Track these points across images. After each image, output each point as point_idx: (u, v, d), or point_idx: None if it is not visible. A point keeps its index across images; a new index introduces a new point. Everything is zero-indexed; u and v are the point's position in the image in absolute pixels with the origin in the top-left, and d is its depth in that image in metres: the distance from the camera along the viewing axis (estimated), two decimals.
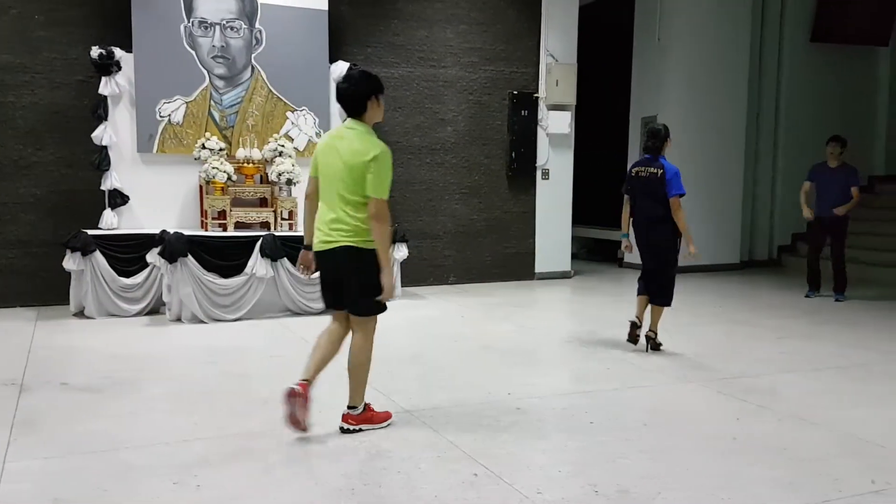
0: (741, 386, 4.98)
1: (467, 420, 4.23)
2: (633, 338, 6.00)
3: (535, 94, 9.96)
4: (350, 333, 4.06)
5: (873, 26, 12.09)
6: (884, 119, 12.66)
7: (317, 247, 3.97)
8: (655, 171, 6.00)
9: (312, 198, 4.07)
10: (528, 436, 4.00)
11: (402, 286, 8.51)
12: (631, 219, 6.18)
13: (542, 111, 10.01)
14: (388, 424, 4.10)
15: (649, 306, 6.06)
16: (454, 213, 9.68)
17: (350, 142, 3.89)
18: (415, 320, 7.38)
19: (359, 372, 4.03)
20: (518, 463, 3.57)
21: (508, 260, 10.00)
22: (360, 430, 4.00)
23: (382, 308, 4.02)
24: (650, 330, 6.01)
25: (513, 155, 9.85)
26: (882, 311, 7.90)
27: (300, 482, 3.33)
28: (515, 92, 9.83)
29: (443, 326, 7.04)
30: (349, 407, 4.03)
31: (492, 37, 9.69)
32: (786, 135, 12.06)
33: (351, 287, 3.92)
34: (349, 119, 3.98)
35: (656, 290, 6.00)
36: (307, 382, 3.89)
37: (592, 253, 13.19)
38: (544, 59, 9.97)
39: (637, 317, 6.01)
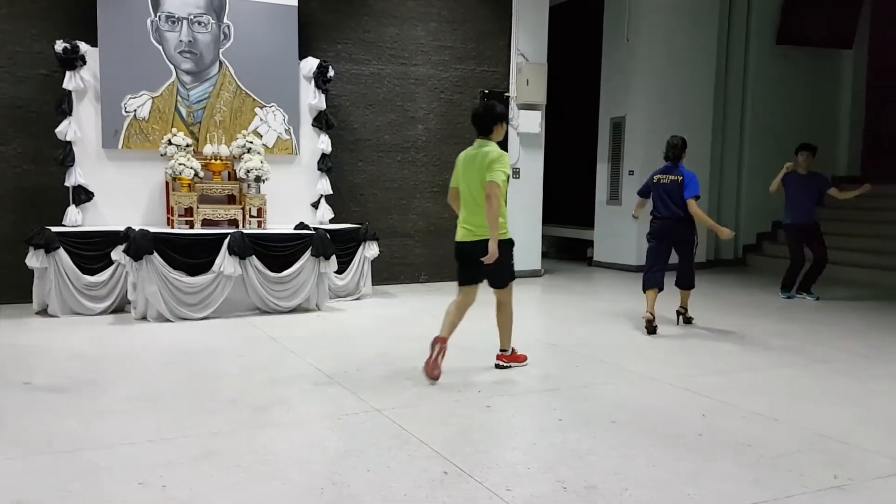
0: (707, 383, 5.05)
1: (437, 418, 4.23)
2: (652, 329, 6.70)
3: (506, 94, 9.99)
4: (471, 303, 5.24)
5: (837, 29, 12.34)
6: (846, 120, 12.92)
7: (460, 237, 5.14)
8: (676, 178, 6.87)
9: (453, 203, 5.31)
10: (498, 434, 4.01)
11: (372, 285, 8.49)
12: (652, 218, 7.13)
13: (513, 110, 10.05)
14: (526, 364, 5.39)
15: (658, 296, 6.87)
16: (425, 212, 9.67)
17: (484, 156, 5.01)
18: (385, 319, 7.37)
19: (506, 325, 5.33)
20: (488, 461, 3.58)
21: None
22: (510, 367, 5.31)
23: (514, 278, 5.28)
24: (682, 307, 7.15)
25: None
26: (843, 310, 8.06)
27: (268, 482, 3.30)
28: (486, 91, 9.85)
29: (413, 325, 7.03)
30: (501, 350, 5.37)
31: (462, 35, 9.70)
32: (751, 135, 12.25)
33: (493, 269, 4.99)
34: (479, 139, 5.17)
35: (684, 278, 7.06)
36: (446, 338, 5.05)
37: (562, 252, 13.29)
38: (515, 59, 10.01)
39: (650, 311, 6.71)
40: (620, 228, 11.44)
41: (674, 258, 7.05)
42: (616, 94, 11.56)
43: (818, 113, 12.49)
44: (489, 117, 5.15)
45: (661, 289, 6.86)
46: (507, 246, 5.06)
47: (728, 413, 4.40)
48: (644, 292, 6.89)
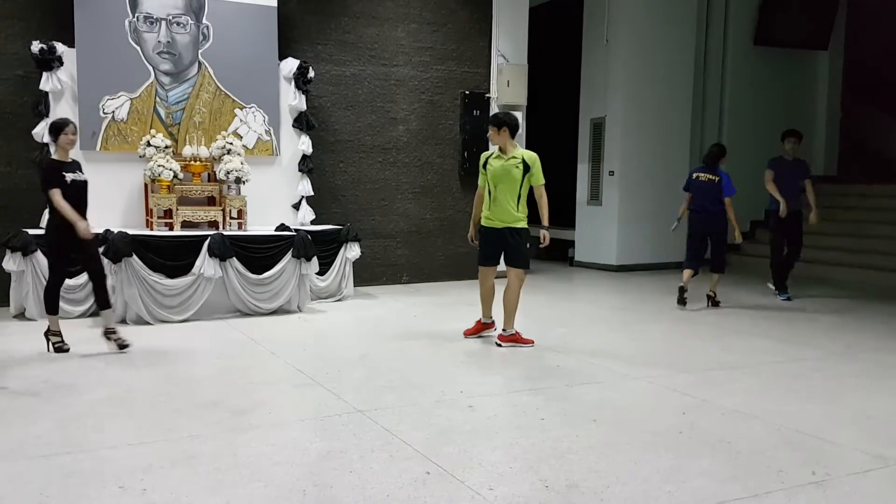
0: (686, 381, 5.09)
1: (420, 419, 4.24)
2: (682, 300, 7.87)
3: (487, 95, 10.01)
4: (492, 283, 6.27)
5: (813, 30, 12.49)
6: (823, 120, 13.07)
7: (486, 224, 6.09)
8: (714, 178, 7.94)
9: (482, 194, 6.20)
10: (480, 433, 4.02)
11: (354, 286, 8.48)
12: (691, 212, 8.13)
13: (494, 111, 10.06)
14: (532, 347, 5.95)
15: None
16: (407, 213, 9.67)
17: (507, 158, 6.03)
18: (367, 320, 7.36)
19: (511, 305, 6.02)
20: (470, 460, 3.59)
21: (461, 259, 10.02)
22: (512, 346, 5.95)
23: (528, 265, 6.36)
24: (711, 291, 8.13)
25: (465, 154, 9.88)
26: (818, 309, 8.15)
27: (250, 485, 3.29)
28: (467, 92, 9.87)
29: (395, 326, 7.02)
30: (503, 330, 6.02)
31: (443, 36, 9.71)
32: (729, 135, 12.34)
33: (512, 251, 6.03)
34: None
35: (716, 263, 8.08)
36: (491, 321, 6.35)
37: (543, 252, 13.31)
38: (495, 60, 10.03)
39: (686, 283, 7.94)
40: (601, 229, 11.50)
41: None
42: (596, 95, 11.62)
43: (795, 113, 12.61)
44: (514, 125, 6.10)
45: (695, 272, 8.01)
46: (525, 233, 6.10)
47: (707, 411, 4.45)
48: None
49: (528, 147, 10.55)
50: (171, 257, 6.96)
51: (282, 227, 7.91)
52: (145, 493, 3.19)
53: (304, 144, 8.56)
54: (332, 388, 4.82)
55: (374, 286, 9.33)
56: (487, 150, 10.06)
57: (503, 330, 6.06)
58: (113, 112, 7.69)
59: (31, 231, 7.04)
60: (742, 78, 12.34)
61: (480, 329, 6.37)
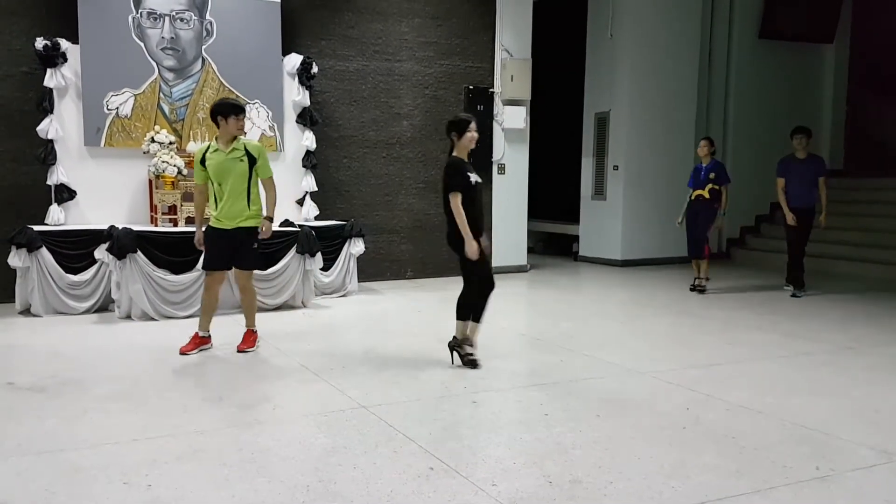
0: (691, 376, 5.09)
1: (423, 414, 4.24)
2: (693, 288, 8.77)
3: (491, 89, 9.99)
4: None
5: (818, 24, 12.43)
6: (828, 114, 13.01)
7: (215, 225, 5.57)
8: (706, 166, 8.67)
9: (204, 192, 5.69)
10: (484, 429, 4.03)
11: (358, 281, 8.48)
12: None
13: (498, 106, 10.05)
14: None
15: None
16: (410, 208, 9.67)
17: None
18: (371, 315, 7.36)
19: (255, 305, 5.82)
20: (474, 456, 3.59)
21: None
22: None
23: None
24: (703, 277, 8.78)
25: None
26: (826, 303, 8.13)
27: (254, 480, 3.30)
28: (471, 87, 9.85)
29: (399, 321, 7.03)
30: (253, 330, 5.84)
31: (447, 31, 9.69)
32: (734, 129, 12.32)
33: (245, 252, 5.69)
34: None
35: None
36: (209, 335, 5.75)
37: (548, 247, 13.32)
38: (499, 55, 10.01)
39: (695, 276, 8.83)
40: (605, 223, 11.48)
41: None
42: (600, 89, 11.59)
43: (800, 107, 12.57)
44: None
45: (699, 257, 8.70)
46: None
47: (711, 406, 4.44)
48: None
49: (532, 143, 10.62)
50: (176, 253, 6.98)
51: (286, 222, 7.92)
52: (150, 488, 3.20)
53: (308, 140, 8.56)
54: (336, 383, 4.82)
55: (379, 282, 9.33)
56: (491, 145, 10.18)
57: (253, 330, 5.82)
58: (117, 108, 7.70)
59: (37, 228, 7.06)
60: (747, 72, 12.28)
61: (199, 344, 5.68)
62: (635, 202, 11.31)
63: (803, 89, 12.80)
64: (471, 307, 5.28)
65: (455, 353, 5.31)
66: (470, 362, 5.25)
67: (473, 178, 5.18)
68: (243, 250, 5.62)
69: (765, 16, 12.25)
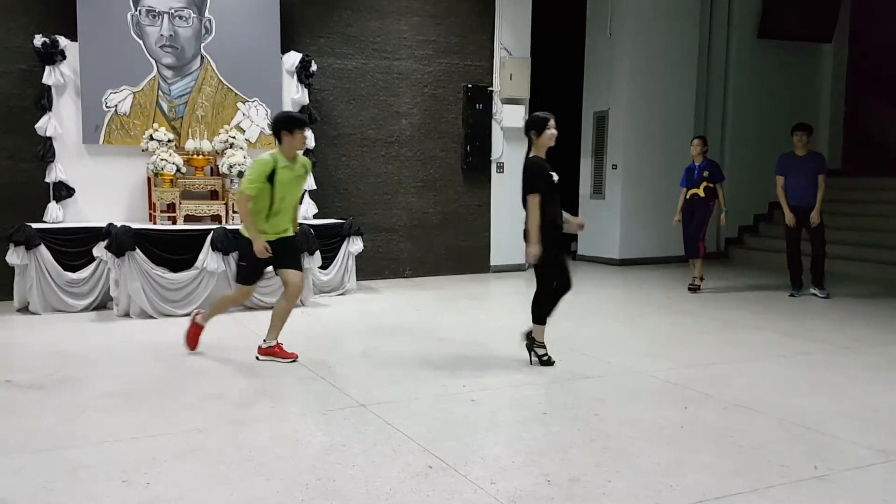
0: (688, 375, 5.09)
1: (422, 413, 4.25)
2: (691, 287, 8.77)
3: (490, 88, 9.99)
4: None
5: (817, 23, 12.43)
6: (826, 114, 13.02)
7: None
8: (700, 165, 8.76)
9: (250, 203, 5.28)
10: (483, 427, 4.03)
11: (357, 280, 8.48)
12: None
13: (497, 105, 10.06)
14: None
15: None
16: (409, 207, 9.67)
17: None
18: (369, 314, 7.37)
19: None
20: (472, 454, 3.60)
21: (463, 253, 10.03)
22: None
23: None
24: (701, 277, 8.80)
25: (468, 148, 9.88)
26: (824, 302, 8.14)
27: (252, 478, 3.30)
28: (470, 85, 9.85)
29: (398, 320, 7.03)
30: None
31: (445, 30, 9.69)
32: (733, 129, 12.33)
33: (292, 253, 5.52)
34: None
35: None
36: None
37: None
38: (498, 53, 10.01)
39: (693, 276, 8.83)
40: (604, 223, 11.48)
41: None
42: (599, 88, 11.59)
43: (799, 106, 12.56)
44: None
45: (694, 256, 8.74)
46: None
47: (709, 404, 4.45)
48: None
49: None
50: (174, 251, 6.98)
51: None
52: (149, 486, 3.20)
53: (307, 138, 8.54)
54: (334, 381, 4.83)
55: (377, 280, 9.34)
56: (490, 144, 10.17)
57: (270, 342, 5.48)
58: (116, 106, 7.69)
59: (35, 225, 7.06)
60: (745, 71, 12.29)
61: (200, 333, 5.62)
62: (634, 201, 11.31)
63: (802, 89, 12.80)
64: (548, 307, 5.29)
65: (532, 353, 5.34)
66: (547, 362, 5.29)
67: (554, 175, 5.18)
68: (289, 255, 5.40)
69: (763, 15, 12.26)
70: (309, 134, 8.56)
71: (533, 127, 5.20)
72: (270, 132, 5.50)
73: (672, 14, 11.28)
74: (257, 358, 5.39)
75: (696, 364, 5.42)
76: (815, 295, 8.33)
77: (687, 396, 4.61)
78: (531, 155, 5.22)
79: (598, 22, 11.50)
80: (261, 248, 5.12)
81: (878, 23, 12.62)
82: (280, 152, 5.24)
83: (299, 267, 5.50)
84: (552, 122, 5.17)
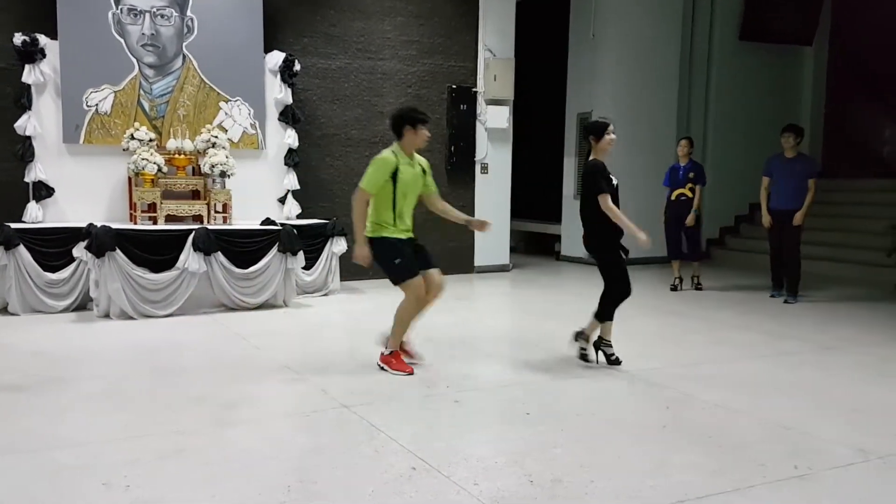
0: (671, 375, 5.12)
1: (406, 414, 4.24)
2: (673, 287, 8.94)
3: (474, 89, 10.00)
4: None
5: (798, 26, 12.55)
6: (807, 115, 13.14)
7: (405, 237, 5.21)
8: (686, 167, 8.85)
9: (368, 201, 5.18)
10: (467, 428, 4.03)
11: (340, 280, 8.45)
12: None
13: (481, 105, 10.06)
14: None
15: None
16: None
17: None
18: (353, 314, 7.35)
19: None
20: (456, 455, 3.59)
21: (448, 253, 10.00)
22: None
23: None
24: (692, 275, 9.01)
25: (452, 149, 9.88)
26: (807, 303, 8.19)
27: (234, 480, 3.28)
28: (454, 86, 9.85)
29: (382, 320, 6.98)
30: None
31: (429, 30, 9.68)
32: (714, 130, 12.42)
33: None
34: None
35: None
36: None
37: (530, 246, 13.35)
38: (482, 54, 10.01)
39: (674, 276, 9.04)
40: None
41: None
42: (582, 89, 11.63)
43: (780, 108, 12.68)
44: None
45: (676, 258, 8.93)
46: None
47: (691, 405, 4.47)
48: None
49: (514, 143, 10.63)
50: (155, 251, 6.92)
51: (267, 221, 7.86)
52: (129, 489, 3.17)
53: (290, 138, 8.52)
54: (317, 383, 4.81)
55: (361, 281, 9.29)
56: (474, 145, 10.17)
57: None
58: (96, 105, 7.62)
59: (14, 225, 6.98)
60: (728, 73, 12.38)
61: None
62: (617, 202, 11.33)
63: (783, 90, 12.92)
64: (612, 307, 5.29)
65: (600, 352, 5.37)
66: (614, 361, 5.32)
67: (614, 179, 5.25)
68: (424, 254, 5.25)
69: (745, 17, 12.36)
70: (292, 133, 8.53)
71: (592, 132, 5.29)
72: (390, 128, 5.25)
73: (655, 15, 11.34)
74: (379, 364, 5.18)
75: (680, 364, 5.45)
76: (787, 301, 8.14)
77: (670, 396, 4.63)
78: (591, 159, 5.27)
79: (582, 24, 11.54)
80: (362, 254, 5.05)
81: (858, 25, 12.75)
82: (399, 148, 5.10)
83: (437, 265, 5.30)
84: (612, 128, 5.25)
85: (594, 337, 5.38)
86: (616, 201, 5.23)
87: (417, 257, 5.16)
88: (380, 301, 8.06)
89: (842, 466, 3.54)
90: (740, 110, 12.41)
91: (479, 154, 10.13)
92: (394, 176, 5.00)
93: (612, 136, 5.23)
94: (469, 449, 3.69)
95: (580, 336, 5.41)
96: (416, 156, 5.23)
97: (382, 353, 5.18)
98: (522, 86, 10.52)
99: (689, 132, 12.12)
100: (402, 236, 5.11)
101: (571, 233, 11.90)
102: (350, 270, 9.06)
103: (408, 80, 9.60)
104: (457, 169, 9.94)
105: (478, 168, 10.15)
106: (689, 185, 8.69)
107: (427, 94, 9.72)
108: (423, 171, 5.26)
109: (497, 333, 6.56)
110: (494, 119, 10.08)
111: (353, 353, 5.67)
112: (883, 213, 10.26)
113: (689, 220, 8.77)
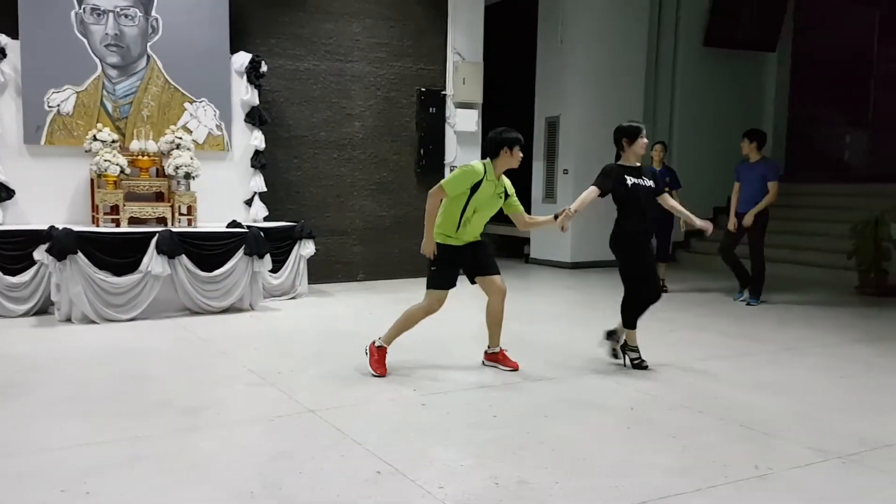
0: (635, 376, 5.18)
1: (372, 418, 4.22)
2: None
3: (443, 92, 10.01)
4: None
5: (762, 32, 12.77)
6: (770, 120, 13.38)
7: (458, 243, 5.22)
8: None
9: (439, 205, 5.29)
10: (433, 432, 4.02)
11: (308, 283, 8.40)
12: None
13: (450, 109, 10.07)
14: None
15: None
16: (362, 209, 9.62)
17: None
18: (321, 318, 7.30)
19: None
20: (422, 459, 3.59)
21: (417, 256, 9.84)
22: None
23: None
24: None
25: (421, 151, 9.87)
26: (766, 305, 8.33)
27: (197, 487, 3.24)
28: (423, 89, 9.85)
29: (349, 324, 6.98)
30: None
31: (399, 32, 9.67)
32: (679, 135, 12.58)
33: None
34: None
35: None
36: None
37: (499, 249, 13.37)
38: (451, 57, 10.03)
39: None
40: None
41: None
42: (550, 93, 11.71)
43: (744, 113, 12.88)
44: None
45: (660, 260, 8.64)
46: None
47: (655, 406, 4.52)
48: None
49: (483, 146, 10.63)
50: (118, 254, 6.81)
51: (233, 223, 7.79)
52: (88, 496, 3.11)
53: (257, 140, 8.45)
54: (284, 387, 4.77)
55: (330, 284, 9.26)
56: (444, 147, 10.17)
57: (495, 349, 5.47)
58: (58, 106, 7.49)
59: None
60: (692, 78, 12.57)
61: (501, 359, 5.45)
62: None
63: (747, 96, 13.14)
64: (635, 312, 5.36)
65: (626, 356, 5.41)
66: (639, 366, 5.33)
67: (630, 180, 5.32)
68: (484, 259, 5.31)
69: (710, 24, 12.56)
70: (259, 135, 8.47)
71: (625, 135, 5.36)
72: (490, 146, 5.21)
73: (621, 22, 11.47)
74: (483, 363, 5.40)
75: (643, 364, 5.49)
76: (749, 303, 8.26)
77: (633, 398, 4.68)
78: (614, 163, 5.45)
79: (549, 28, 11.62)
80: (428, 250, 5.11)
81: (820, 31, 13.03)
82: (492, 165, 5.09)
83: (498, 269, 5.35)
84: (644, 132, 5.33)
85: (622, 339, 5.44)
86: (637, 203, 5.34)
87: (479, 264, 5.24)
88: (349, 304, 8.04)
89: (801, 466, 3.60)
90: (705, 115, 12.59)
91: (449, 157, 10.14)
92: (473, 188, 5.00)
93: (645, 140, 5.33)
94: (435, 452, 3.69)
95: (611, 336, 5.50)
96: (504, 177, 5.22)
97: (374, 343, 5.18)
98: (491, 89, 10.55)
99: (654, 137, 12.26)
100: (460, 244, 5.16)
101: (540, 236, 11.98)
102: (318, 274, 9.02)
103: (377, 83, 9.58)
104: (426, 171, 9.94)
105: (447, 170, 10.15)
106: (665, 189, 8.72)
107: (396, 96, 9.71)
108: (507, 193, 5.26)
109: (465, 336, 6.56)
110: (463, 122, 10.10)
111: (321, 357, 5.64)
112: (844, 216, 10.46)
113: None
